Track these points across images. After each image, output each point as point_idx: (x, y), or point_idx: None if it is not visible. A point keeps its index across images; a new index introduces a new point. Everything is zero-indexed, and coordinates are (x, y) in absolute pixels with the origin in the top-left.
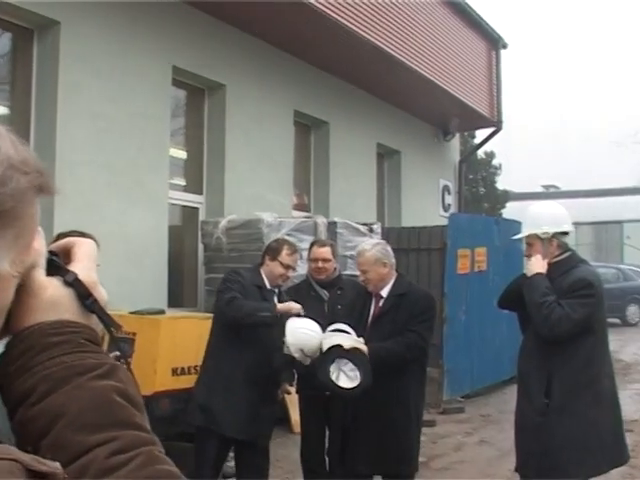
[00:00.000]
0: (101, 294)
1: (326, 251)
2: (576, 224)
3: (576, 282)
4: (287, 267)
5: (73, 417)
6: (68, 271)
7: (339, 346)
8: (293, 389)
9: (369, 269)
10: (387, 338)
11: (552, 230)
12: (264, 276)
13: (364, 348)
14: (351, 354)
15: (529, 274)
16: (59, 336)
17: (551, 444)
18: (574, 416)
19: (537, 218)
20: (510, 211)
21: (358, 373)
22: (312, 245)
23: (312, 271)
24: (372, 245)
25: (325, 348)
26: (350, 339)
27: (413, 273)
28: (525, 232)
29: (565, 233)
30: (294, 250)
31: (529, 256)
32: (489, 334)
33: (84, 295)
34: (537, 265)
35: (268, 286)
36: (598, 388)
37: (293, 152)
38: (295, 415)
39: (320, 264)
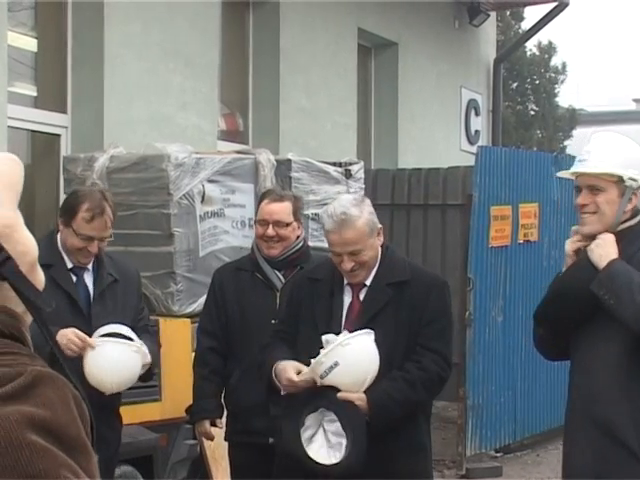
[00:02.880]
0: (25, 245)
1: (283, 209)
2: None
3: None
4: (87, 239)
5: None
6: None
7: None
8: (220, 431)
9: (364, 246)
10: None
11: None
12: (61, 248)
13: (358, 399)
14: (341, 408)
15: (601, 262)
16: None
17: None
18: None
19: (624, 153)
20: (579, 142)
21: (344, 442)
22: (261, 199)
23: (260, 242)
24: (357, 205)
25: None
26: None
27: (417, 245)
28: (599, 167)
29: None
30: (96, 212)
31: (583, 207)
32: None
33: None
34: (611, 246)
35: (69, 264)
36: None
37: (219, 45)
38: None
39: (271, 230)
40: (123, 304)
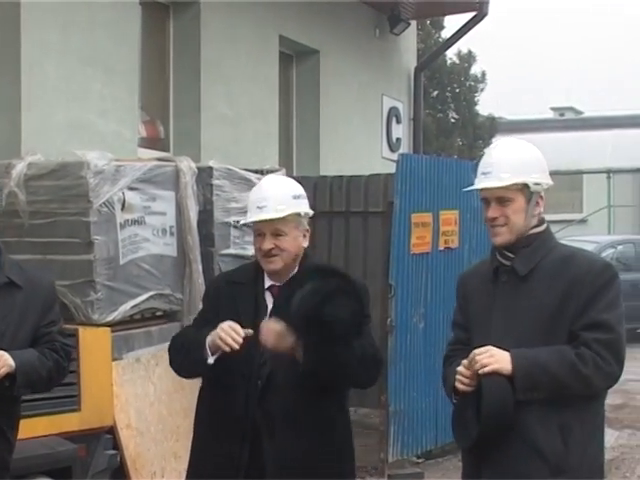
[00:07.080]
0: None
1: None
2: (611, 172)
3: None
4: None
5: None
6: None
7: None
8: (141, 440)
9: (288, 231)
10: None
11: (545, 181)
12: None
13: None
14: None
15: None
16: None
17: None
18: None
19: (526, 158)
20: None
21: None
22: None
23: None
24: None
25: None
26: None
27: (339, 252)
28: (505, 179)
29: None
30: None
31: (493, 220)
32: None
33: None
34: (496, 361)
35: None
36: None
37: (139, 50)
38: None
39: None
40: (22, 311)
